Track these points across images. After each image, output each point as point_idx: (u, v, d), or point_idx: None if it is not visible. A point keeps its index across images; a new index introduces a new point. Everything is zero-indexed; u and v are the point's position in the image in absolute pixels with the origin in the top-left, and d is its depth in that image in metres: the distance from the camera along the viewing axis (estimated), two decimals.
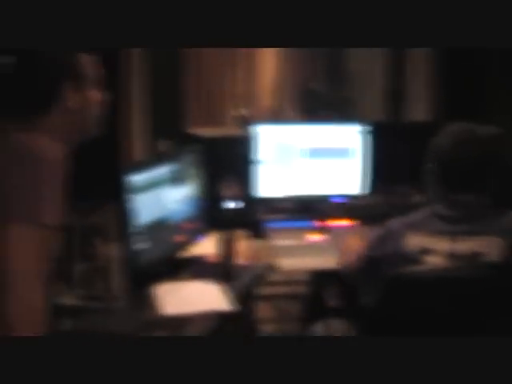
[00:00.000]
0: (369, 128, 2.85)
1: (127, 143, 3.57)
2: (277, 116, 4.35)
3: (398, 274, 1.78)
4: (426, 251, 1.81)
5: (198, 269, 2.30)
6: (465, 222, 1.81)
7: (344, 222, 2.75)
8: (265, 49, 4.50)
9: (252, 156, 2.71)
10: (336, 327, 2.23)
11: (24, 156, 1.50)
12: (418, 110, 3.81)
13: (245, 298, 2.25)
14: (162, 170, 2.24)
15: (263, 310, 2.89)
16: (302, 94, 4.60)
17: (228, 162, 2.59)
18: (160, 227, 2.21)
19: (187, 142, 2.76)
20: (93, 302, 2.09)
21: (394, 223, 1.93)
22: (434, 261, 1.79)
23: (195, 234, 2.46)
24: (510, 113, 3.38)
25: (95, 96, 1.71)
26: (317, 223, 2.72)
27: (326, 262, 2.46)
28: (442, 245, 1.80)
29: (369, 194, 2.87)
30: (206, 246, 2.46)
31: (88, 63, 1.70)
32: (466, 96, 3.55)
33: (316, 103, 4.47)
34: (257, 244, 2.55)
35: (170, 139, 3.62)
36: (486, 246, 1.76)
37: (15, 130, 1.59)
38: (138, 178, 2.08)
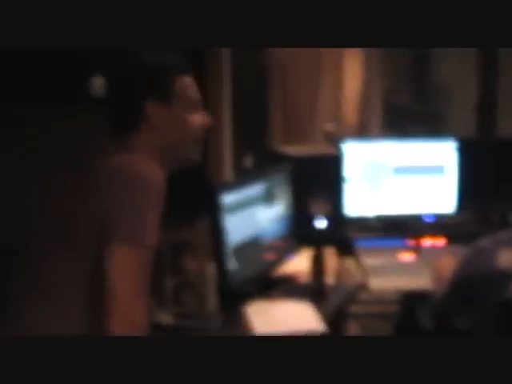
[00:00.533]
0: (459, 144, 2.78)
1: (216, 159, 3.61)
2: (363, 132, 4.31)
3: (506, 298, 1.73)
4: None
5: (289, 288, 2.30)
6: None
7: (436, 241, 2.69)
8: (350, 63, 4.48)
9: (341, 174, 2.70)
10: None
11: (128, 177, 1.52)
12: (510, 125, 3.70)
13: (336, 317, 2.24)
14: (253, 189, 2.25)
15: (352, 329, 2.86)
16: (389, 108, 4.54)
17: (317, 180, 2.58)
18: (251, 246, 2.22)
19: (276, 160, 2.77)
20: (185, 320, 2.12)
21: (486, 242, 1.88)
22: None
23: (285, 252, 2.46)
24: None
25: (191, 119, 1.67)
26: (408, 242, 2.67)
27: (418, 281, 2.41)
28: None
29: (461, 213, 2.80)
30: (297, 265, 2.46)
31: (183, 84, 1.67)
32: None
33: (403, 118, 4.41)
34: (347, 263, 2.53)
35: (258, 156, 3.65)
36: None
37: (115, 151, 1.61)
38: (230, 198, 2.09)
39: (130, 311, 1.47)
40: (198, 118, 1.69)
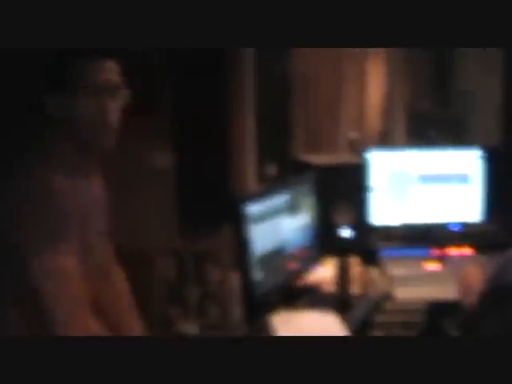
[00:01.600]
0: (484, 152, 2.76)
1: (239, 168, 3.61)
2: (387, 140, 4.29)
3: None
4: None
5: (314, 297, 2.29)
6: None
7: (462, 251, 2.67)
8: (373, 71, 4.46)
9: (365, 183, 2.68)
10: None
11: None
12: None
13: (361, 327, 2.22)
14: (277, 199, 2.24)
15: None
16: (412, 116, 4.52)
17: (341, 189, 2.57)
18: (275, 256, 2.21)
19: (299, 169, 2.77)
20: (210, 331, 2.12)
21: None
22: None
23: (310, 262, 2.45)
24: None
25: (102, 105, 1.58)
26: (433, 251, 2.65)
27: (444, 291, 2.39)
28: None
29: (486, 222, 2.77)
30: (321, 274, 2.45)
31: (87, 69, 1.57)
32: None
33: (427, 126, 4.38)
34: (372, 272, 2.51)
35: (281, 166, 3.65)
36: None
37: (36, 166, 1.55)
38: (254, 208, 2.09)
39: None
40: (110, 104, 1.59)
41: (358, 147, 3.09)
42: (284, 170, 3.56)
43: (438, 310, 2.55)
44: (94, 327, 1.53)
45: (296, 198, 2.34)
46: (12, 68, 1.80)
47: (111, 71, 1.60)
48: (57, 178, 1.52)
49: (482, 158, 2.76)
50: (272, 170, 3.82)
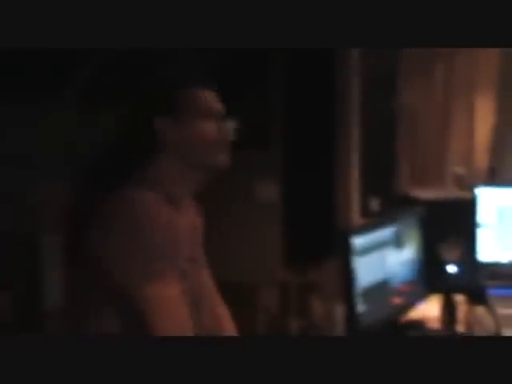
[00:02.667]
0: None
1: (343, 202, 3.63)
2: (495, 176, 4.19)
3: None
4: None
5: (419, 334, 2.26)
6: None
7: None
8: (482, 106, 4.39)
9: (474, 219, 2.64)
10: None
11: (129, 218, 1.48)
12: None
13: None
14: (383, 233, 2.24)
15: None
16: None
17: (448, 225, 2.54)
18: (380, 289, 2.20)
19: (405, 204, 2.75)
20: None
21: None
22: None
23: (415, 297, 2.42)
24: None
25: (204, 128, 1.61)
26: None
27: None
28: None
29: None
30: (426, 311, 2.42)
31: (192, 94, 1.62)
32: None
33: None
34: (478, 311, 2.45)
35: (385, 200, 3.64)
36: None
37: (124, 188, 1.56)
38: (360, 241, 2.10)
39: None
40: (213, 126, 1.63)
41: (465, 183, 3.05)
42: (388, 205, 3.54)
43: None
44: None
45: (402, 232, 2.33)
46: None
47: (215, 99, 1.66)
48: (160, 208, 1.52)
49: None
50: (376, 204, 3.81)
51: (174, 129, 1.59)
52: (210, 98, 1.65)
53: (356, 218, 3.69)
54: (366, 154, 3.82)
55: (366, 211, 3.71)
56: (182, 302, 1.53)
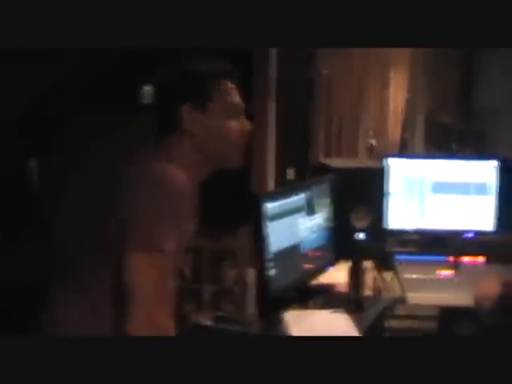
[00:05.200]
0: (501, 163, 2.79)
1: (260, 171, 3.66)
2: (407, 149, 4.32)
3: None
4: None
5: (327, 298, 2.33)
6: None
7: (475, 259, 2.70)
8: (396, 80, 4.50)
9: (383, 188, 2.71)
10: None
11: (150, 184, 1.56)
12: None
13: (373, 329, 2.25)
14: (294, 199, 2.28)
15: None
16: (433, 127, 4.55)
17: (358, 193, 2.60)
18: (291, 255, 2.25)
19: (319, 172, 2.80)
20: (224, 324, 2.16)
21: None
22: None
23: (324, 263, 2.48)
24: None
25: (229, 125, 1.69)
26: (447, 258, 2.68)
27: (457, 298, 2.42)
28: None
29: (500, 232, 2.80)
30: (335, 276, 2.48)
31: (222, 89, 1.68)
32: None
33: (448, 137, 4.41)
34: (385, 276, 2.54)
35: (301, 169, 3.69)
36: None
37: (147, 157, 1.65)
38: (272, 206, 2.13)
39: (148, 315, 1.50)
40: (237, 125, 1.70)
41: (377, 153, 3.13)
42: (303, 174, 3.60)
43: (450, 316, 2.57)
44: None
45: (313, 199, 2.38)
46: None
47: (238, 95, 1.72)
48: (179, 173, 1.59)
49: (498, 168, 2.78)
50: (291, 174, 3.87)
51: (198, 118, 1.65)
52: (237, 96, 1.71)
53: (272, 187, 3.73)
54: (282, 124, 3.86)
55: (281, 181, 3.76)
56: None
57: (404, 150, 4.23)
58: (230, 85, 1.70)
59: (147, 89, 2.28)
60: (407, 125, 4.44)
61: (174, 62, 1.70)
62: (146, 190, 1.55)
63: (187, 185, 1.58)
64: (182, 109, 1.65)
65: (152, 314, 1.51)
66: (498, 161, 2.80)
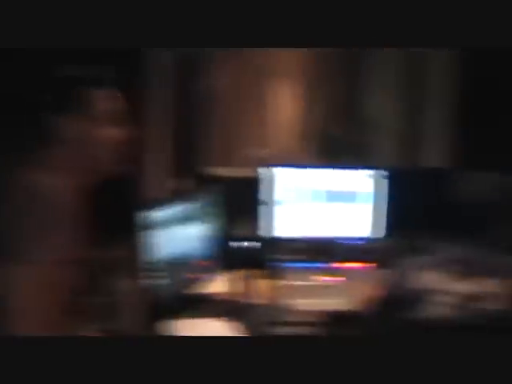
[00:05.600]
0: (384, 173, 2.89)
1: (144, 179, 3.62)
2: (295, 158, 4.38)
3: (407, 319, 1.80)
4: (438, 291, 1.84)
5: (213, 307, 2.32)
6: (476, 264, 1.84)
7: (361, 265, 2.77)
8: (286, 90, 4.57)
9: (270, 197, 2.75)
10: None
11: (19, 192, 1.53)
12: (435, 155, 3.83)
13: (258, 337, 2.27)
14: (179, 208, 2.28)
15: None
16: (321, 138, 4.64)
17: (244, 202, 2.63)
18: (176, 264, 2.24)
19: (204, 182, 2.81)
20: (111, 335, 2.11)
21: (409, 263, 1.97)
22: (445, 300, 1.82)
23: (210, 272, 2.48)
24: None
25: (107, 132, 1.67)
26: (332, 265, 2.74)
27: (341, 303, 2.48)
28: (454, 285, 1.83)
29: (384, 238, 2.89)
30: (220, 285, 2.49)
31: (99, 98, 1.66)
32: (485, 142, 3.58)
33: (333, 147, 4.51)
34: (271, 284, 2.56)
35: (187, 178, 3.68)
36: (495, 288, 1.79)
37: (17, 166, 1.60)
38: (156, 215, 2.12)
39: (26, 328, 1.48)
40: (115, 132, 1.68)
41: (265, 163, 3.16)
42: (192, 183, 3.59)
43: (336, 321, 2.63)
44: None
45: (199, 209, 2.38)
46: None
47: (118, 102, 1.69)
48: (54, 183, 1.56)
49: (383, 177, 2.88)
50: (179, 183, 3.85)
51: (75, 126, 1.62)
52: (115, 103, 1.68)
53: (161, 197, 3.69)
54: (170, 134, 3.84)
55: (171, 191, 3.73)
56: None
57: (293, 160, 4.29)
58: (108, 92, 1.68)
59: (24, 98, 2.20)
60: (298, 135, 4.51)
61: (48, 68, 1.66)
62: (18, 201, 1.52)
63: (63, 194, 1.54)
64: (59, 118, 1.62)
65: (29, 326, 1.47)
66: (376, 170, 2.89)
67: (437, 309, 1.81)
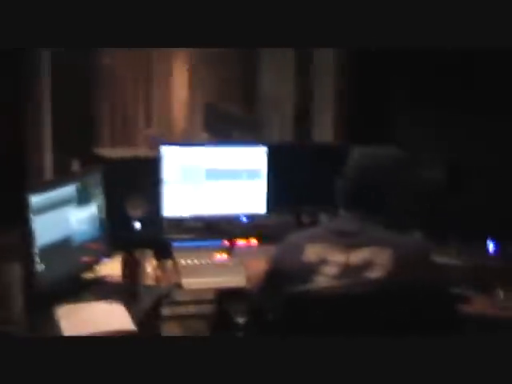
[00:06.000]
0: (272, 149, 2.92)
1: (36, 162, 3.53)
2: (187, 137, 4.37)
3: (293, 292, 1.82)
4: (323, 262, 1.87)
5: (101, 290, 2.29)
6: (360, 235, 1.89)
7: (249, 241, 2.80)
8: (178, 68, 4.54)
9: (158, 176, 2.73)
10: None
11: None
12: (325, 132, 3.90)
13: (149, 317, 2.26)
14: (66, 190, 2.23)
15: (172, 330, 2.89)
16: (214, 115, 4.64)
17: (133, 182, 2.60)
18: (61, 248, 2.19)
19: (94, 162, 2.75)
20: None
21: (294, 237, 1.99)
22: (330, 272, 1.85)
23: (100, 254, 2.44)
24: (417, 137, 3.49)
25: None
26: (223, 243, 2.75)
27: (232, 280, 2.50)
28: (338, 256, 1.87)
29: (273, 214, 2.93)
30: (111, 267, 2.45)
31: None
32: (372, 119, 3.67)
33: (228, 125, 4.52)
34: (163, 264, 2.55)
35: (78, 159, 3.60)
36: (378, 258, 1.84)
37: None
38: (40, 198, 2.06)
39: None
40: None
41: (156, 142, 3.13)
42: (82, 165, 3.52)
43: (226, 299, 2.65)
44: None
45: (84, 190, 2.33)
46: None
47: None
48: None
49: (268, 154, 2.90)
50: (71, 165, 3.76)
51: None
52: None
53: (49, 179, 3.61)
54: (60, 115, 3.75)
55: (61, 172, 3.65)
56: None
57: (186, 139, 4.27)
58: None
59: None
60: (188, 115, 4.50)
61: None
62: None
63: None
64: None
65: None
66: (266, 147, 2.92)
67: (323, 280, 1.84)
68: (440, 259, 2.12)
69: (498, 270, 2.45)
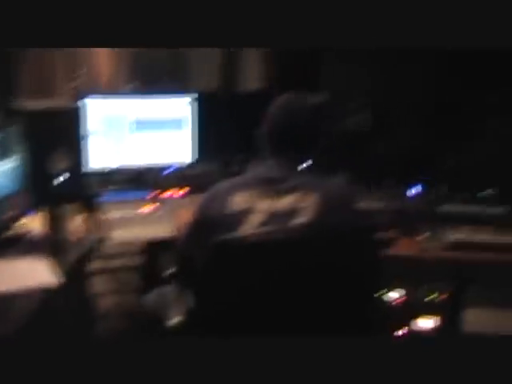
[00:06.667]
0: (199, 98, 2.88)
1: None
2: (110, 87, 4.27)
3: (219, 240, 1.82)
4: (250, 210, 1.88)
5: (25, 245, 2.25)
6: (286, 182, 1.90)
7: (176, 191, 2.78)
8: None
9: (81, 128, 2.67)
10: (170, 295, 2.25)
11: None
12: (251, 80, 3.87)
13: (76, 272, 2.23)
14: None
15: (102, 284, 2.87)
16: (138, 63, 4.54)
17: (55, 135, 2.53)
18: None
19: (14, 115, 2.67)
20: None
21: (221, 185, 1.99)
22: (256, 219, 1.86)
23: (23, 209, 2.39)
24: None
25: None
26: (150, 194, 2.73)
27: (160, 231, 2.48)
28: (265, 203, 1.87)
29: (201, 163, 2.91)
30: (35, 222, 2.40)
31: None
32: (300, 68, 3.65)
33: (153, 74, 4.43)
34: (89, 217, 2.51)
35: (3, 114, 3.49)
36: (304, 203, 1.86)
37: None
38: None
39: None
40: None
41: (78, 93, 3.04)
42: (2, 116, 3.41)
43: (156, 249, 2.64)
44: None
45: (5, 143, 2.26)
46: None
47: None
48: None
49: (195, 102, 2.87)
50: None
51: None
52: None
53: None
54: None
55: None
56: None
57: (108, 89, 4.18)
58: None
59: None
60: (112, 63, 4.39)
61: None
62: None
63: None
64: None
65: None
66: (195, 95, 2.88)
67: (249, 228, 1.85)
68: (364, 203, 2.16)
69: (420, 213, 2.52)
